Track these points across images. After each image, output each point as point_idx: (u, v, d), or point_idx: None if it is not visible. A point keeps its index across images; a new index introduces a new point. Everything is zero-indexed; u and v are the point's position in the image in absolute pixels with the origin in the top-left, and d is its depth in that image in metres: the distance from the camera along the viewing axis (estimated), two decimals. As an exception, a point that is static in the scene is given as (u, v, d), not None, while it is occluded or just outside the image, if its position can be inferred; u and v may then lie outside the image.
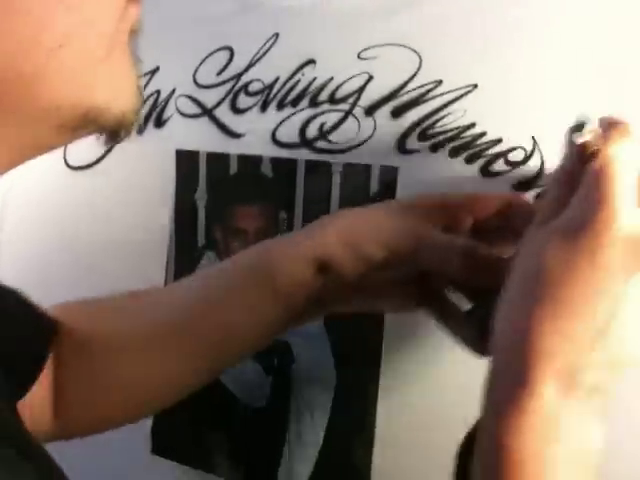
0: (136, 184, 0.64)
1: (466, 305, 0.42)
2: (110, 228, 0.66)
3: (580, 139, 0.30)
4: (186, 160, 0.61)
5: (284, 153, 0.56)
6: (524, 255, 0.30)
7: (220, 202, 0.60)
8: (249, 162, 0.57)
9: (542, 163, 0.45)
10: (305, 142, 0.54)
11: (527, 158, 0.46)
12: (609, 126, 0.30)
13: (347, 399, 0.55)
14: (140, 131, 0.63)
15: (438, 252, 0.38)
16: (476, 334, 0.39)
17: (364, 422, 0.54)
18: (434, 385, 0.49)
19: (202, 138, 0.60)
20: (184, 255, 0.62)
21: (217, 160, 0.59)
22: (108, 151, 0.64)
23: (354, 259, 0.39)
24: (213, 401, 0.61)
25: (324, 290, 0.41)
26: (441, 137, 0.48)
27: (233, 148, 0.58)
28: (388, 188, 0.51)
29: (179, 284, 0.48)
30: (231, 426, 0.61)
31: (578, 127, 0.30)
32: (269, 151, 0.56)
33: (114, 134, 0.28)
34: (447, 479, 0.33)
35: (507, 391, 0.27)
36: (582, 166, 0.30)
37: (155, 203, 0.63)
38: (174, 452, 0.64)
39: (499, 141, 0.47)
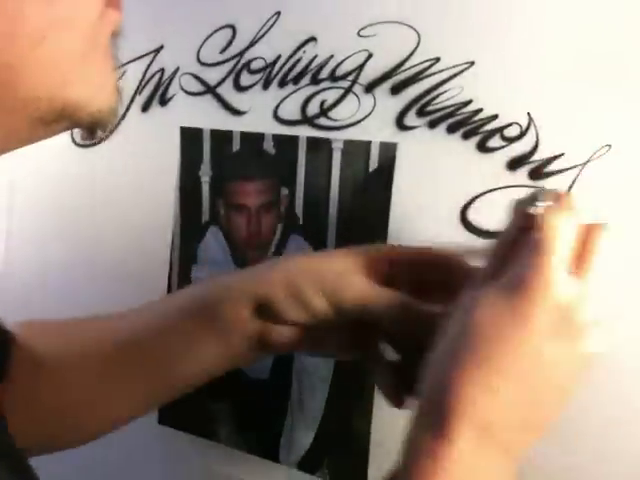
0: (141, 161, 0.65)
1: (394, 356, 0.43)
2: (116, 204, 0.67)
3: (531, 210, 0.31)
4: (190, 137, 0.62)
5: (286, 130, 0.57)
6: (458, 311, 0.31)
7: (223, 178, 0.61)
8: (252, 139, 0.59)
9: (537, 138, 0.46)
10: (306, 119, 0.56)
11: (522, 134, 0.47)
12: (555, 199, 0.32)
13: (346, 370, 0.56)
14: (145, 109, 0.64)
15: (376, 304, 0.39)
16: (397, 385, 0.41)
17: (363, 391, 0.55)
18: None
19: (206, 115, 0.61)
20: (189, 230, 0.63)
21: (220, 137, 0.60)
22: (114, 128, 0.65)
23: (294, 304, 0.40)
24: (217, 372, 0.63)
25: (264, 332, 0.41)
26: (439, 114, 0.49)
27: (236, 125, 0.59)
28: (387, 163, 0.52)
29: (131, 313, 0.48)
30: (235, 396, 0.63)
31: (530, 199, 0.32)
32: (271, 128, 0.57)
33: (90, 131, 0.29)
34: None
35: (426, 437, 0.28)
36: (524, 235, 0.31)
37: (160, 179, 0.64)
38: (180, 422, 0.66)
39: (495, 117, 0.48)
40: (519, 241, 0.32)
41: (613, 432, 0.45)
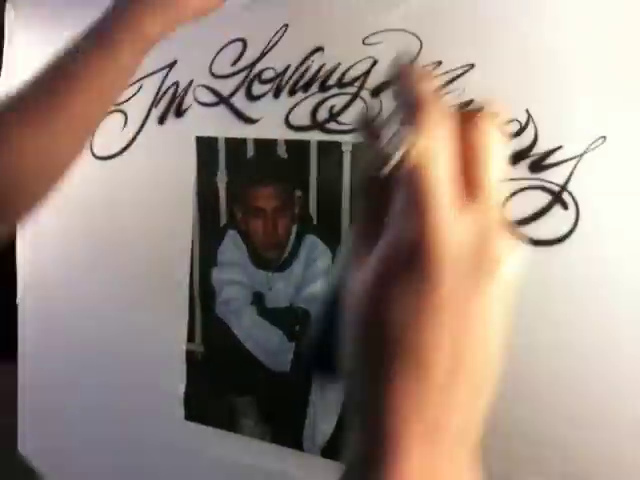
0: (160, 170, 0.68)
1: None
2: (137, 212, 0.70)
3: (384, 170, 0.22)
4: (206, 146, 0.65)
5: (297, 135, 0.60)
6: (356, 301, 0.24)
7: (239, 184, 0.64)
8: (265, 145, 0.62)
9: (536, 134, 0.49)
10: (316, 124, 0.59)
11: (522, 130, 0.50)
12: (410, 120, 0.22)
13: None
14: (161, 121, 0.67)
15: None
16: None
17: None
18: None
19: (220, 125, 0.64)
20: (208, 234, 0.66)
21: (235, 144, 0.63)
22: (132, 141, 0.69)
23: None
24: (240, 368, 0.66)
25: None
26: (442, 114, 0.53)
27: (249, 133, 0.62)
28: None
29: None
30: (257, 390, 0.66)
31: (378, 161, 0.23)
32: (283, 134, 0.61)
33: None
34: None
35: (378, 465, 0.25)
36: (391, 177, 0.23)
37: (178, 187, 0.67)
38: (205, 417, 0.69)
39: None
40: (391, 184, 0.23)
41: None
